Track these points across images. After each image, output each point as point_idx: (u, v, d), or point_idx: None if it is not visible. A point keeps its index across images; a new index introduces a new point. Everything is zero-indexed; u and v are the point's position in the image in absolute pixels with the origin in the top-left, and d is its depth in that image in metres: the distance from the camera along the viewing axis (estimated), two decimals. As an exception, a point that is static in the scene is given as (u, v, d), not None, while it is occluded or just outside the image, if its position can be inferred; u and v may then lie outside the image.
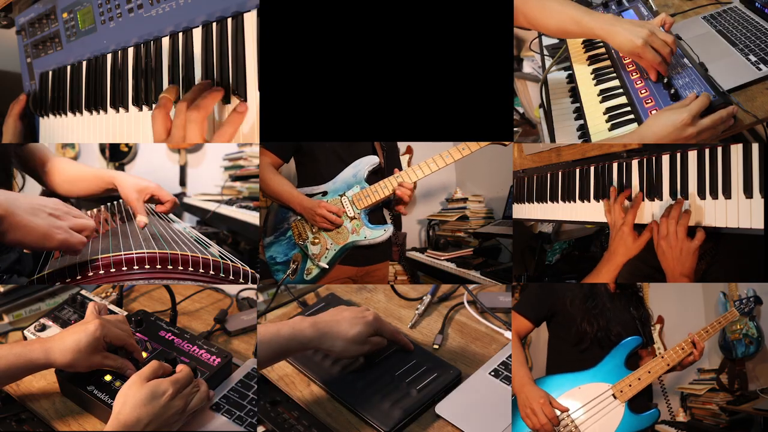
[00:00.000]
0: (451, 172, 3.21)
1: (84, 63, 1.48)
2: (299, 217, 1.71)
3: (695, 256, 1.11)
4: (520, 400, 1.26)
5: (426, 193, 3.18)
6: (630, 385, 1.28)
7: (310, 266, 1.67)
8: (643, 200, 1.26)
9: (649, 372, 1.30)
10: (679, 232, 1.11)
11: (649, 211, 1.24)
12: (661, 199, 1.23)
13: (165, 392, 0.96)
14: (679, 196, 1.18)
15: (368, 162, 1.69)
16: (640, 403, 1.31)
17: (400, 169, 1.70)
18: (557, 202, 1.56)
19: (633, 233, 1.20)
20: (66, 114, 1.52)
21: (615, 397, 1.28)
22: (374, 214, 1.71)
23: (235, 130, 1.14)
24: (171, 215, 1.43)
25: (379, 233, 1.66)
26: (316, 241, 1.67)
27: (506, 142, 1.56)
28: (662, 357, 1.32)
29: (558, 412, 1.26)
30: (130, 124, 1.38)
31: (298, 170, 1.80)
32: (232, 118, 1.15)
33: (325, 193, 1.70)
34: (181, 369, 1.02)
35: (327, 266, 1.66)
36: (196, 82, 1.24)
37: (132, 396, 0.95)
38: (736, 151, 1.09)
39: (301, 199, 1.68)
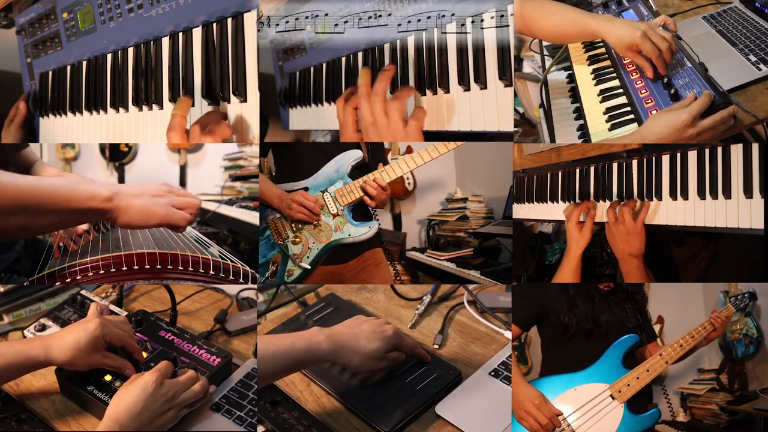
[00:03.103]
0: (451, 171, 3.21)
1: (84, 63, 1.48)
2: (278, 215, 1.61)
3: (641, 236, 1.21)
4: (513, 403, 1.19)
5: (426, 193, 3.18)
6: (628, 385, 1.25)
7: (291, 267, 1.57)
8: (651, 200, 1.26)
9: (648, 370, 1.27)
10: (625, 213, 1.23)
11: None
12: (661, 199, 1.23)
13: (149, 382, 0.97)
14: (678, 196, 1.18)
15: (351, 156, 1.60)
16: (639, 403, 1.28)
17: (385, 163, 1.61)
18: (557, 202, 1.56)
19: (578, 226, 1.36)
20: (66, 114, 1.52)
21: (613, 398, 1.25)
22: (358, 211, 1.62)
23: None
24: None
25: (364, 230, 1.58)
26: (297, 240, 1.57)
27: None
28: (660, 355, 1.29)
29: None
30: (130, 124, 1.38)
31: (277, 164, 1.71)
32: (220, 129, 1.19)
33: (306, 189, 1.61)
34: (162, 363, 1.04)
35: (309, 267, 1.56)
36: (196, 83, 1.24)
37: (123, 393, 0.97)
38: (736, 151, 1.09)
39: (279, 192, 1.59)
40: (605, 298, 1.39)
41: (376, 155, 1.67)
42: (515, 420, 1.22)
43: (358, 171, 1.62)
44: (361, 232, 1.58)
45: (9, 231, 0.96)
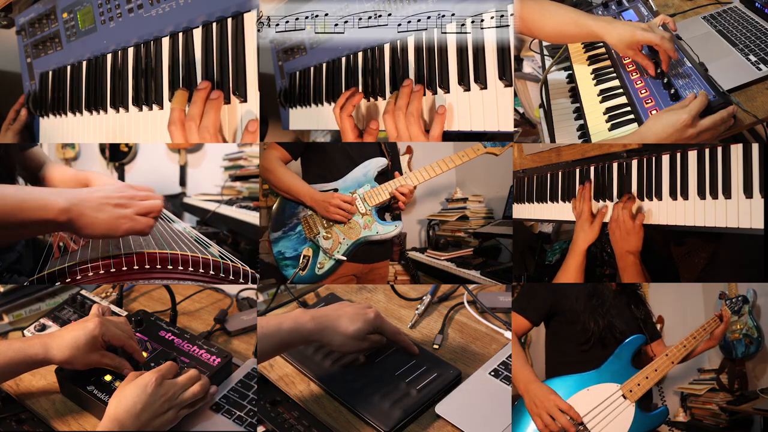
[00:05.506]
0: (450, 172, 3.20)
1: (84, 63, 1.48)
2: (310, 212, 1.74)
3: (639, 235, 1.26)
4: (528, 401, 1.23)
5: (426, 193, 3.18)
6: (639, 384, 1.28)
7: (323, 260, 1.70)
8: (643, 199, 1.26)
9: (656, 370, 1.30)
10: (623, 214, 1.26)
11: (649, 210, 1.25)
12: (661, 199, 1.23)
13: (149, 383, 0.98)
14: (678, 196, 1.18)
15: (377, 163, 1.76)
16: (646, 402, 1.31)
17: (400, 171, 1.78)
18: (557, 202, 1.56)
19: (589, 220, 1.36)
20: (66, 114, 1.52)
21: (625, 397, 1.26)
22: (381, 213, 1.76)
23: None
24: (171, 215, 1.43)
25: (391, 228, 1.72)
26: (328, 236, 1.70)
27: (498, 152, 1.76)
28: (666, 355, 1.32)
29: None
30: (130, 124, 1.38)
31: (305, 167, 1.83)
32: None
33: (335, 191, 1.73)
34: (165, 363, 1.04)
35: (344, 258, 1.69)
36: (197, 83, 1.24)
37: (123, 393, 0.97)
38: (736, 151, 1.09)
39: (312, 192, 1.71)
40: (614, 298, 1.41)
41: (394, 162, 1.85)
42: (523, 417, 1.24)
43: (381, 176, 1.78)
44: (389, 230, 1.72)
45: None
